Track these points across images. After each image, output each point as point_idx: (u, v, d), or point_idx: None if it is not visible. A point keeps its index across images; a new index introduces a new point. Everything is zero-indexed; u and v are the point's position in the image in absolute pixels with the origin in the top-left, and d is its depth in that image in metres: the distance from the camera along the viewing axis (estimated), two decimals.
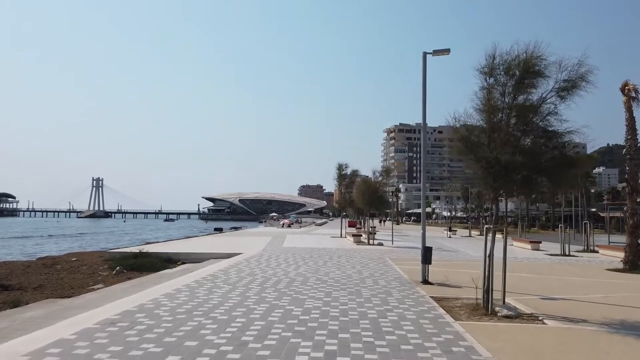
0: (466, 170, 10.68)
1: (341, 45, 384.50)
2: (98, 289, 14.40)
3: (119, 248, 25.49)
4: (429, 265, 12.58)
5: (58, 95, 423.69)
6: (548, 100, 8.88)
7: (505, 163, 8.76)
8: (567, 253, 23.39)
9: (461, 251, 24.66)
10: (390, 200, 38.86)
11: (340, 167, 35.88)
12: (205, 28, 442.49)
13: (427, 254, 12.40)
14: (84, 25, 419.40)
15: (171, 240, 33.49)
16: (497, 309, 8.98)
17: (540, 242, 27.35)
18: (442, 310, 8.95)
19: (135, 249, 21.59)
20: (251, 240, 30.12)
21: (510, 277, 14.05)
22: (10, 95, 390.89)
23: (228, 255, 20.14)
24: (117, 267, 18.13)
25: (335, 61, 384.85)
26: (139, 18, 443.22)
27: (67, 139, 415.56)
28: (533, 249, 26.44)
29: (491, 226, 9.64)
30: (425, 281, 12.41)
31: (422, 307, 9.16)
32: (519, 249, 27.35)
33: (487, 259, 9.71)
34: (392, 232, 30.23)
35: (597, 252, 25.28)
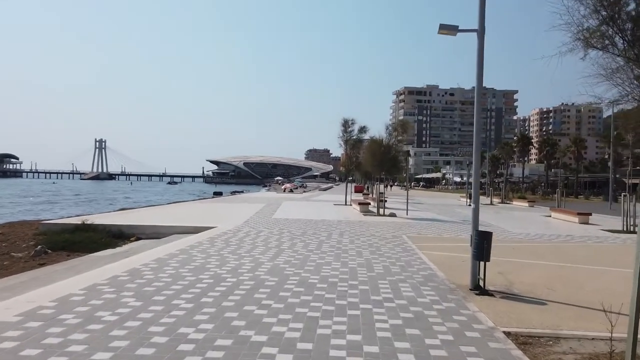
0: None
1: (350, 6, 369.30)
2: None
3: (60, 219, 20.67)
4: (486, 263, 7.54)
5: (63, 53, 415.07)
6: None
7: None
8: (630, 229, 18.38)
9: (494, 225, 19.65)
10: (403, 164, 33.79)
11: (346, 124, 30.58)
12: None
13: (483, 245, 7.36)
14: None
15: (134, 208, 28.65)
16: None
17: (590, 214, 22.22)
18: None
19: (77, 220, 16.80)
20: (238, 208, 25.31)
21: (602, 277, 9.18)
22: (13, 50, 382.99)
23: (196, 230, 15.42)
24: (39, 246, 13.44)
25: (343, 23, 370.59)
26: None
27: (70, 99, 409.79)
28: (582, 223, 21.38)
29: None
30: (480, 288, 7.46)
31: None
32: (562, 222, 22.31)
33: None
34: (407, 201, 25.21)
35: None
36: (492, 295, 7.30)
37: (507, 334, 5.48)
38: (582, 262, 10.99)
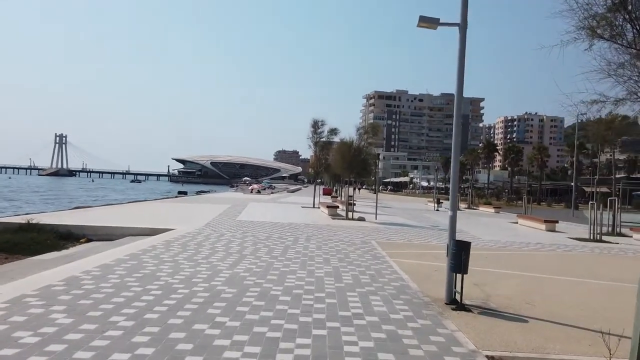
0: None
1: (324, 9, 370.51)
2: None
3: (2, 217, 19.10)
4: (463, 275, 6.95)
5: (23, 43, 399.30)
6: None
7: None
8: (596, 238, 18.41)
9: (464, 231, 19.34)
10: (374, 167, 33.42)
11: (315, 124, 29.92)
12: None
13: (461, 256, 6.79)
14: None
15: (91, 206, 27.10)
16: None
17: (557, 222, 22.29)
18: None
19: (22, 219, 15.46)
20: (201, 209, 24.24)
21: (578, 289, 8.77)
22: None
23: (153, 232, 14.43)
24: None
25: (316, 24, 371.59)
26: None
27: (29, 93, 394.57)
28: (548, 230, 21.40)
29: None
30: (457, 303, 6.88)
31: None
32: (529, 229, 22.30)
33: None
34: (377, 205, 24.76)
35: (627, 236, 20.45)
36: (469, 310, 6.73)
37: (491, 358, 4.89)
38: (556, 272, 10.65)
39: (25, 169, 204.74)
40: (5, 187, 80.00)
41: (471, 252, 7.04)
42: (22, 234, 13.78)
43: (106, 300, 6.24)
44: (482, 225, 23.17)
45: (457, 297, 6.94)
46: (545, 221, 22.16)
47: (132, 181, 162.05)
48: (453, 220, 7.37)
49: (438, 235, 16.98)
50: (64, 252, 12.47)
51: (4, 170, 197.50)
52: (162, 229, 14.86)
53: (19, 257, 11.90)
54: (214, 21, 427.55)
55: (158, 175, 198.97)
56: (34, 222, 14.83)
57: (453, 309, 6.73)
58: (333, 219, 22.05)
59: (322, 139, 30.78)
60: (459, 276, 6.93)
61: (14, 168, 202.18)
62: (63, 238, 14.33)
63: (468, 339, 5.41)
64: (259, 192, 59.42)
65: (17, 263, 10.77)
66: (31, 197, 55.43)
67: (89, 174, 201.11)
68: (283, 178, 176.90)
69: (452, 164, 7.45)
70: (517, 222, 25.58)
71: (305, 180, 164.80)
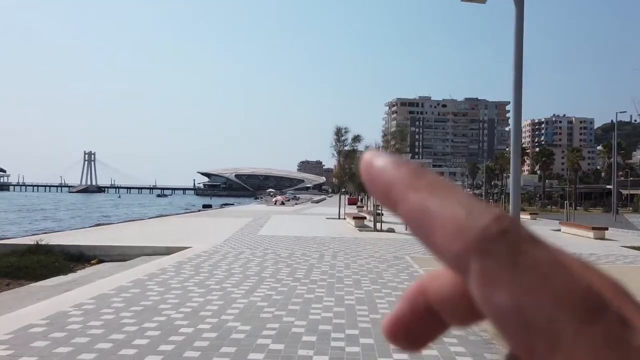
0: None
1: (343, 18, 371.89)
2: None
3: (9, 238, 18.33)
4: None
5: (47, 60, 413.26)
6: None
7: None
8: None
9: None
10: None
11: (339, 132, 28.75)
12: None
13: None
14: None
15: (112, 223, 26.42)
16: None
17: (606, 229, 20.37)
18: None
19: (31, 240, 14.63)
20: (222, 224, 23.21)
21: None
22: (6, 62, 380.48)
23: (168, 251, 13.42)
24: None
25: (337, 35, 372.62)
26: None
27: (59, 111, 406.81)
28: (597, 238, 19.50)
29: None
30: None
31: None
32: (575, 237, 20.44)
33: None
34: None
35: None
36: None
37: None
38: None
39: (56, 186, 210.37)
40: (44, 203, 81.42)
41: None
42: (28, 256, 12.92)
43: (89, 347, 5.06)
44: None
45: None
46: (594, 228, 20.26)
47: (159, 195, 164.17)
48: None
49: None
50: (70, 276, 11.52)
51: (37, 188, 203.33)
52: (178, 247, 13.80)
53: (22, 282, 11.00)
54: (232, 32, 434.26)
55: (184, 189, 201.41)
56: (43, 242, 13.98)
57: None
58: (360, 231, 20.69)
59: (345, 147, 29.58)
60: None
61: (45, 186, 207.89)
62: (74, 259, 13.47)
63: None
64: (282, 203, 58.51)
65: (14, 291, 9.81)
66: (65, 214, 55.62)
67: (117, 189, 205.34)
68: (307, 188, 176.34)
69: (511, 165, 6.10)
70: (559, 230, 23.68)
71: (330, 190, 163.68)
